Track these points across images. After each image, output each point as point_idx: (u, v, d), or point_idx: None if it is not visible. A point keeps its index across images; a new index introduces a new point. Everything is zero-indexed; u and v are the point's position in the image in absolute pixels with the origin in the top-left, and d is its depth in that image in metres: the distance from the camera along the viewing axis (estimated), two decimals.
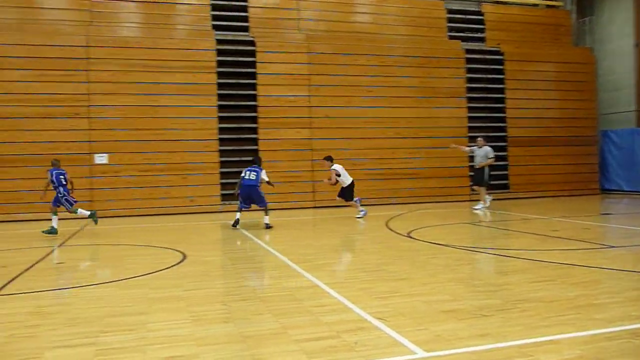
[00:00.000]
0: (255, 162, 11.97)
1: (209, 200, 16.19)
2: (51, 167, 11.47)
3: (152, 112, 15.87)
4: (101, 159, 15.33)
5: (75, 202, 11.53)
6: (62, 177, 11.35)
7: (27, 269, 7.14)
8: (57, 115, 15.19)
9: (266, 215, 11.62)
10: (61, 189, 11.25)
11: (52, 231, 10.91)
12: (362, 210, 13.20)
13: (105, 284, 6.23)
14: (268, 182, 11.80)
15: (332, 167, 12.97)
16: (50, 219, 11.20)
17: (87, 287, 6.08)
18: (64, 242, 9.93)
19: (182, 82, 16.10)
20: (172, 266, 7.13)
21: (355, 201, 13.33)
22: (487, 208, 14.61)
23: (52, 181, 11.25)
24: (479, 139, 15.26)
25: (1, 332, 4.26)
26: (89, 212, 11.57)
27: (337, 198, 13.49)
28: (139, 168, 15.69)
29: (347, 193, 13.17)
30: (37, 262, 7.71)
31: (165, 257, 7.97)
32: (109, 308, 4.96)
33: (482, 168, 14.76)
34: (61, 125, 15.19)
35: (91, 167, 15.30)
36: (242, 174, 11.68)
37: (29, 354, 3.77)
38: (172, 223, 13.40)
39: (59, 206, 11.31)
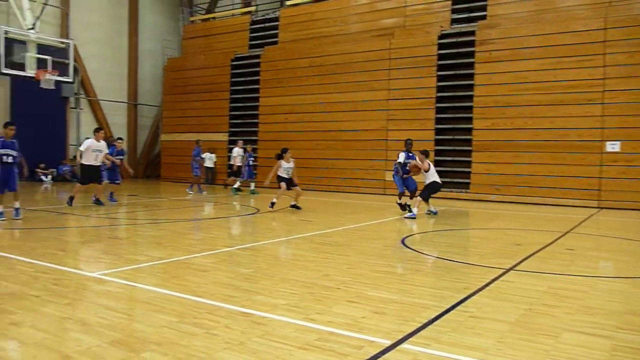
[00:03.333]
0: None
1: None
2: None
3: None
4: (613, 146, 14.63)
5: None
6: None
7: (539, 250, 7.56)
8: (570, 102, 15.34)
9: None
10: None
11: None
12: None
13: (620, 278, 5.98)
14: None
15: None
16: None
17: (600, 277, 5.98)
18: (572, 229, 10.05)
19: None
20: None
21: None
22: None
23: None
24: None
25: (520, 305, 4.65)
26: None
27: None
28: None
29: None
30: (548, 245, 8.05)
31: None
32: (626, 304, 4.73)
33: None
34: (574, 112, 15.28)
35: (602, 155, 14.83)
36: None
37: (547, 330, 3.98)
38: None
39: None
